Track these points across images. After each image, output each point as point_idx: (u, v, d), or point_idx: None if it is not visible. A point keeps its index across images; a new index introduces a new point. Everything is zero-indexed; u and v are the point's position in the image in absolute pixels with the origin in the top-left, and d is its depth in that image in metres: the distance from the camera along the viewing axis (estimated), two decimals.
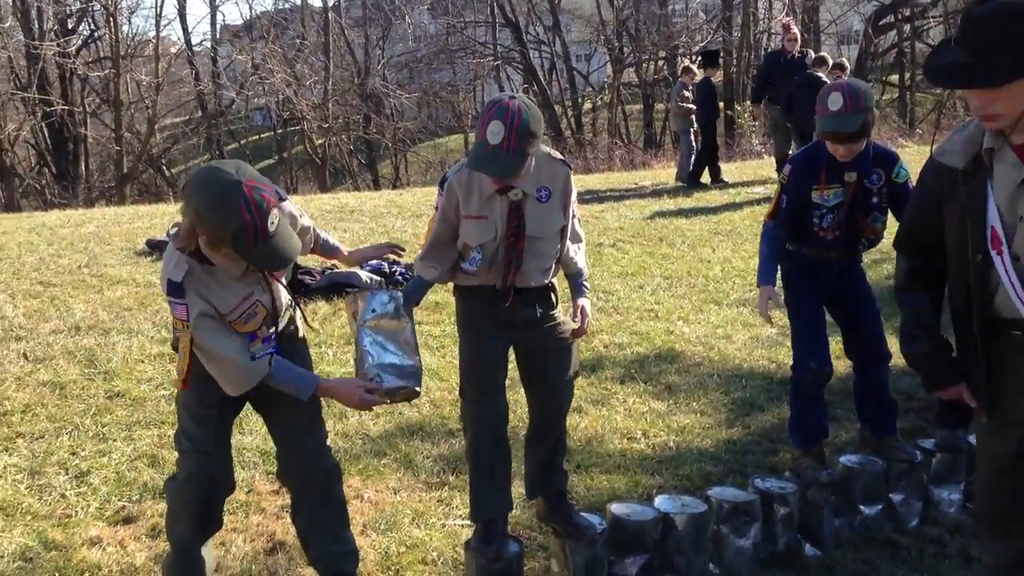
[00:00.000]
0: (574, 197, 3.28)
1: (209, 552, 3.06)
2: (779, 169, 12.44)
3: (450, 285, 3.39)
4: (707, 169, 12.31)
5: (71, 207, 16.27)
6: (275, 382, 2.84)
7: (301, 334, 3.17)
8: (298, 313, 3.14)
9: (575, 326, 3.34)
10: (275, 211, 2.60)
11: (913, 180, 3.07)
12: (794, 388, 4.11)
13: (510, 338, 3.21)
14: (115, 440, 4.56)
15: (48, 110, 22.12)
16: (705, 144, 12.37)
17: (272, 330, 2.91)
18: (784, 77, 11.18)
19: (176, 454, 3.07)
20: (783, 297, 4.04)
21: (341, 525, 3.08)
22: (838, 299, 4.07)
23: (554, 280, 3.33)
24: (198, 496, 2.90)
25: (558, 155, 3.19)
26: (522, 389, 3.49)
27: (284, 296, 3.00)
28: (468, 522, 3.64)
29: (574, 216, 3.30)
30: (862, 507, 3.99)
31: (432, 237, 3.18)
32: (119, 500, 4.02)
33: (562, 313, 3.36)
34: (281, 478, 3.17)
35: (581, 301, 3.37)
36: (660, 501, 3.61)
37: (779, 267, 4.04)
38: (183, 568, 2.94)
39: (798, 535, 3.80)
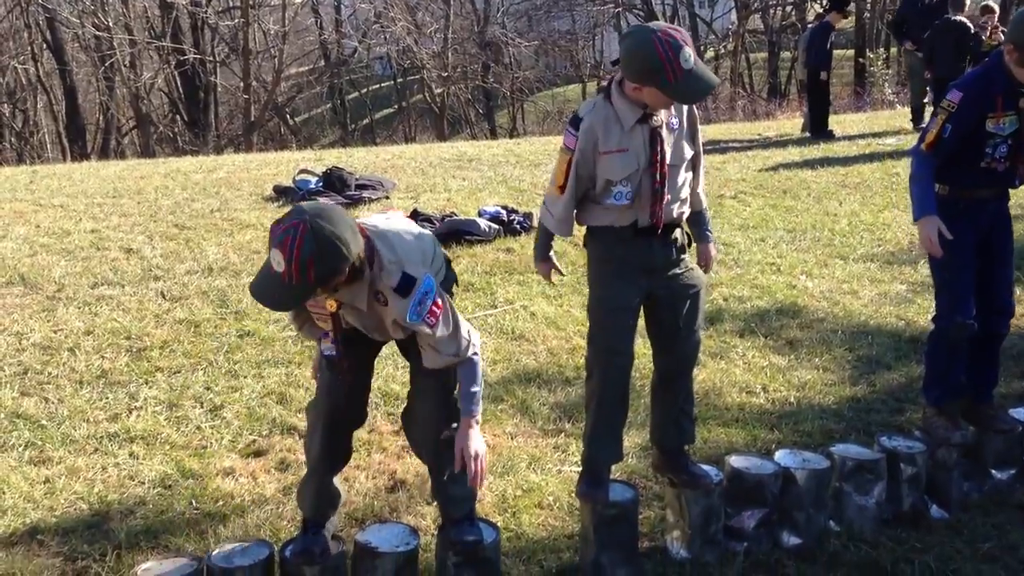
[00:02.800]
0: (699, 134, 3.25)
1: (341, 486, 3.13)
2: (914, 120, 11.89)
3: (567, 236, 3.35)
4: (813, 119, 11.75)
5: (202, 154, 16.90)
6: None
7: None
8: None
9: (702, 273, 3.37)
10: (279, 256, 2.54)
11: None
12: (935, 341, 3.85)
13: (645, 284, 3.17)
14: (246, 377, 4.76)
15: (181, 59, 22.89)
16: (814, 93, 11.82)
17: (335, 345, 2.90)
18: (921, 21, 10.62)
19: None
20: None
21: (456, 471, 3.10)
22: (986, 244, 3.76)
23: (684, 224, 3.29)
24: (325, 416, 2.98)
25: None
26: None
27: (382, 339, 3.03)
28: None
29: (700, 152, 3.29)
30: (994, 471, 3.84)
31: (571, 184, 3.09)
32: (250, 434, 4.21)
33: (691, 258, 3.32)
34: (404, 418, 3.20)
35: (708, 246, 3.40)
36: (780, 455, 3.56)
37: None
38: (314, 489, 3.03)
39: (924, 496, 3.69)
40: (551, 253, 3.39)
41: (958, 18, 9.88)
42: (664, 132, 3.08)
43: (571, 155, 3.08)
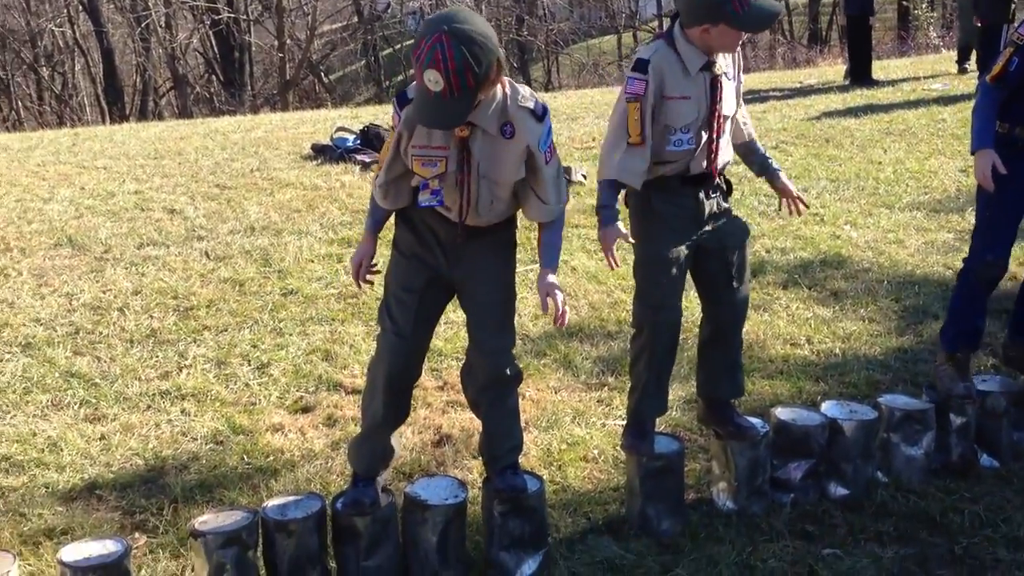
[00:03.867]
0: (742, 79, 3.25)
1: (396, 440, 3.15)
2: (960, 60, 11.61)
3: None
4: (855, 66, 11.51)
5: (238, 113, 16.96)
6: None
7: (506, 237, 3.02)
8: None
9: (789, 204, 3.36)
10: (436, 73, 2.49)
11: None
12: (960, 281, 3.76)
13: (694, 236, 3.14)
14: (291, 335, 4.81)
15: (215, 19, 22.90)
16: (856, 40, 11.56)
17: (439, 191, 2.81)
18: None
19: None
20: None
21: (512, 423, 3.12)
22: None
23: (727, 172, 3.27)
24: (387, 376, 2.96)
25: None
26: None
27: (490, 195, 2.83)
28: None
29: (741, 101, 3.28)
30: None
31: (640, 127, 2.99)
32: (297, 391, 4.27)
33: (734, 209, 3.29)
34: (464, 375, 3.18)
35: (784, 181, 3.35)
36: (827, 407, 3.54)
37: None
38: (369, 446, 3.05)
39: (975, 445, 3.65)
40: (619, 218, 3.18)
41: None
42: (723, 80, 3.04)
43: (641, 101, 2.99)
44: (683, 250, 3.13)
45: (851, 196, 7.00)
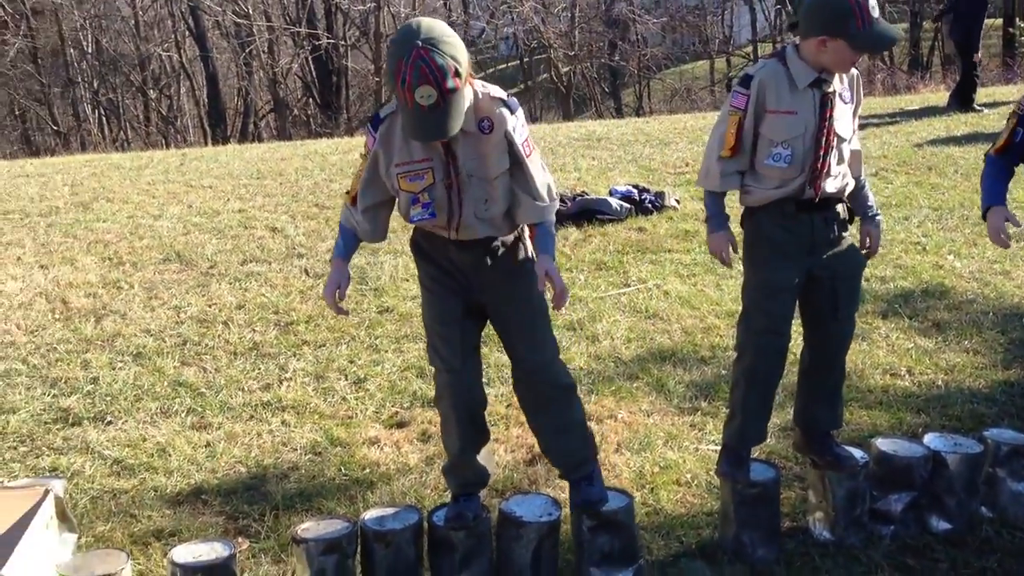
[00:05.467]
0: (860, 106, 3.20)
1: (487, 458, 3.17)
2: None
3: (700, 214, 3.32)
4: (962, 93, 11.21)
5: (335, 136, 17.39)
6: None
7: (521, 257, 3.00)
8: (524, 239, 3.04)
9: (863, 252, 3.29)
10: (428, 88, 2.52)
11: None
12: None
13: (806, 264, 3.11)
14: (386, 351, 4.92)
15: (316, 43, 23.59)
16: (964, 64, 11.28)
17: (430, 204, 2.81)
18: None
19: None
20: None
21: (571, 437, 3.08)
22: None
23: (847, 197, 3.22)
24: (455, 410, 3.01)
25: None
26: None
27: (483, 194, 2.83)
28: (720, 447, 3.64)
29: (856, 126, 3.21)
30: None
31: (736, 139, 3.05)
32: (392, 406, 4.36)
33: (851, 238, 3.25)
34: (516, 390, 3.16)
35: (873, 226, 3.29)
36: (930, 439, 3.46)
37: None
38: (459, 471, 3.10)
39: None
40: (729, 225, 3.21)
41: None
42: (836, 100, 3.03)
43: (741, 115, 3.04)
44: (794, 277, 3.10)
45: (954, 225, 6.82)
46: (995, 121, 10.33)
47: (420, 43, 2.52)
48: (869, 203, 3.30)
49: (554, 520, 2.99)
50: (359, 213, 2.90)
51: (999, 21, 23.08)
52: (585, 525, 2.99)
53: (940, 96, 12.93)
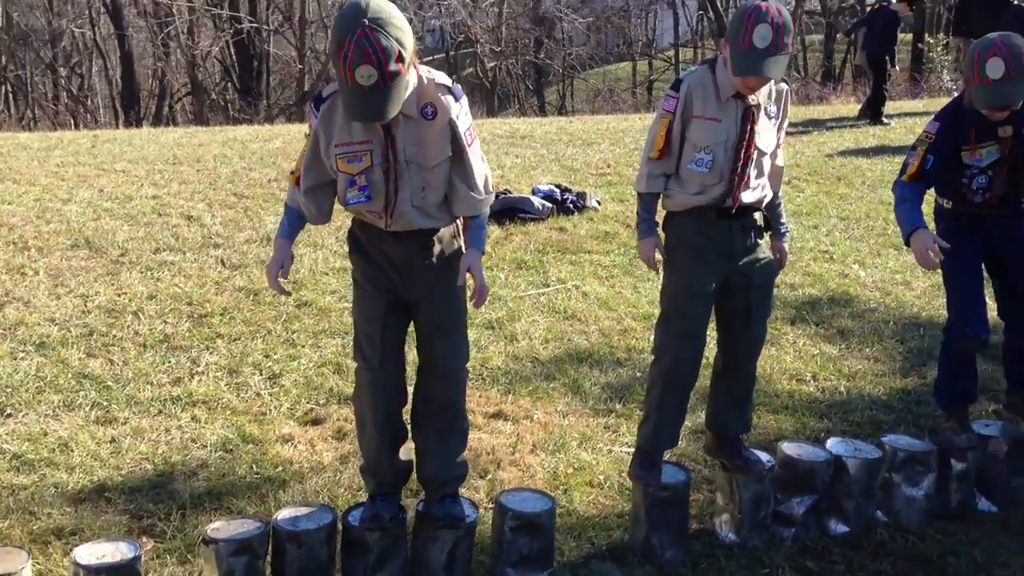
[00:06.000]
0: (787, 122, 3.29)
1: (404, 459, 3.14)
2: None
3: (621, 216, 3.40)
4: (871, 104, 11.62)
5: (254, 123, 17.08)
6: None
7: (455, 255, 2.98)
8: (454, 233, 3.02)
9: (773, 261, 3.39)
10: (370, 68, 2.50)
11: None
12: (945, 352, 3.80)
13: (723, 270, 3.20)
14: (303, 347, 4.87)
15: (238, 27, 23.10)
16: (877, 79, 11.69)
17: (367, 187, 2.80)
18: (983, 11, 10.45)
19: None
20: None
21: (460, 449, 3.11)
22: (999, 259, 3.72)
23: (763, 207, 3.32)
24: (373, 408, 3.01)
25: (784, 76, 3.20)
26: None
27: (421, 182, 2.82)
28: (633, 450, 3.71)
29: (782, 142, 3.31)
30: None
31: (664, 141, 3.15)
32: (308, 402, 4.32)
33: (766, 247, 3.34)
34: (416, 395, 3.13)
35: (782, 243, 3.41)
36: (832, 443, 3.59)
37: (936, 226, 3.73)
38: (375, 470, 3.08)
39: (974, 490, 3.69)
40: (657, 231, 3.32)
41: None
42: (759, 114, 3.11)
43: (670, 118, 3.14)
44: (712, 282, 3.19)
45: (860, 235, 7.06)
46: (902, 134, 10.71)
47: (366, 21, 2.49)
48: (781, 220, 3.41)
49: (471, 522, 3.01)
50: (302, 194, 2.88)
51: (909, 36, 23.91)
52: (508, 526, 3.01)
53: (851, 108, 13.34)
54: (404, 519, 3.06)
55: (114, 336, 4.90)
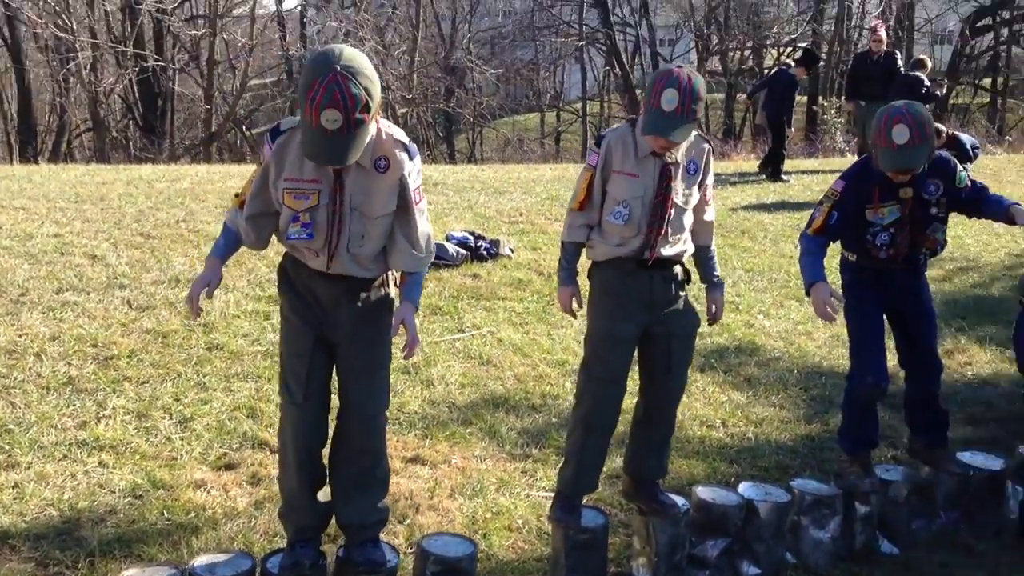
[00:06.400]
0: (711, 176, 3.42)
1: (323, 504, 3.12)
2: None
3: (534, 264, 3.49)
4: (773, 164, 12.15)
5: (157, 162, 16.76)
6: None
7: (381, 302, 3.04)
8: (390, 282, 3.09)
9: (705, 316, 3.54)
10: (336, 112, 2.56)
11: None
12: (848, 399, 3.97)
13: (644, 319, 3.30)
14: (215, 390, 4.78)
15: (144, 65, 22.70)
16: (775, 138, 12.24)
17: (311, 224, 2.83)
18: (874, 78, 11.11)
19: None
20: (843, 304, 3.90)
21: (381, 495, 3.12)
22: (899, 312, 3.93)
23: (686, 261, 3.43)
24: (294, 444, 2.99)
25: (702, 134, 3.33)
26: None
27: (361, 230, 2.87)
28: (551, 494, 3.75)
29: (709, 197, 3.44)
30: (942, 512, 4.01)
31: (585, 194, 3.28)
32: (221, 447, 4.23)
33: (689, 299, 3.45)
34: (334, 439, 3.14)
35: (716, 294, 3.53)
36: (744, 488, 3.70)
37: (841, 277, 3.95)
38: (296, 514, 3.05)
39: (877, 532, 3.84)
40: (576, 280, 3.44)
41: (918, 74, 10.36)
42: (677, 172, 3.23)
43: (592, 172, 3.26)
44: (632, 329, 3.29)
45: (764, 287, 7.32)
46: (800, 191, 11.17)
47: (339, 68, 2.56)
48: (715, 272, 3.54)
49: (392, 567, 3.00)
50: (244, 219, 2.90)
51: (805, 98, 25.00)
52: (429, 571, 3.01)
53: (751, 164, 13.84)
54: (324, 565, 3.03)
55: (15, 379, 4.71)
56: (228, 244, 2.98)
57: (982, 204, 3.84)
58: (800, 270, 3.84)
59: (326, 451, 3.13)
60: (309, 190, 2.80)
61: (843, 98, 15.68)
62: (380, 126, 2.83)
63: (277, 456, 3.14)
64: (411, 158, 2.86)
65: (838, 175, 3.93)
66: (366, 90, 2.59)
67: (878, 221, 3.74)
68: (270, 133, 2.85)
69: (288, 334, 2.99)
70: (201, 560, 2.93)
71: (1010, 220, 3.76)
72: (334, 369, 3.06)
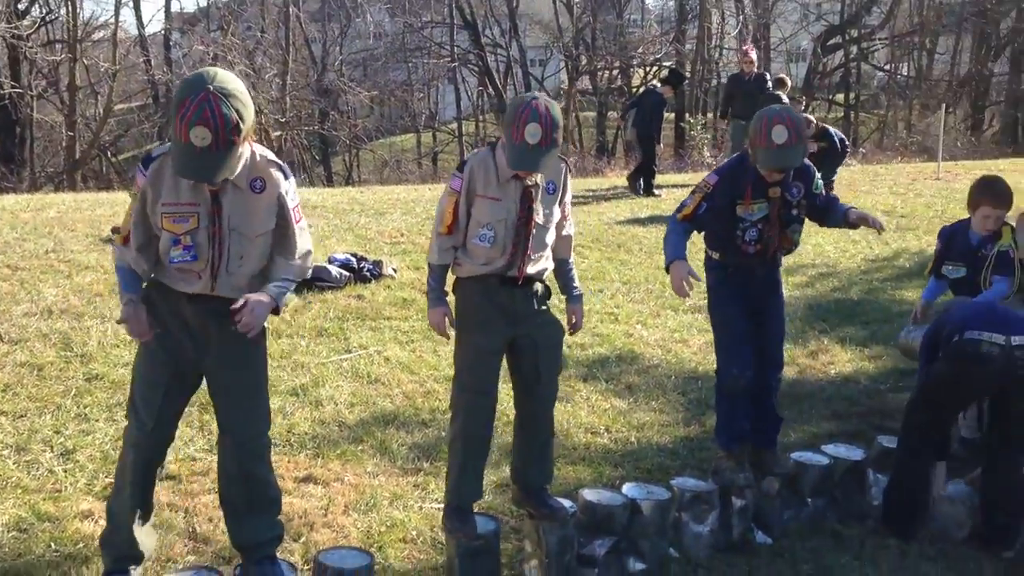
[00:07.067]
0: (569, 193, 3.58)
1: (148, 536, 3.15)
2: None
3: (417, 283, 3.60)
4: (642, 178, 12.62)
5: (16, 191, 16.09)
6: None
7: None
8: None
9: (566, 326, 3.68)
10: (206, 130, 2.62)
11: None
12: (718, 394, 4.25)
13: (508, 331, 3.44)
14: (97, 420, 4.69)
15: (0, 92, 21.75)
16: (645, 154, 12.72)
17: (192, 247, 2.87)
18: (745, 96, 11.74)
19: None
20: (708, 302, 4.23)
21: (275, 512, 3.17)
22: (755, 308, 4.18)
23: (547, 277, 3.59)
24: (133, 466, 3.03)
25: (559, 155, 3.48)
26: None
27: (240, 250, 2.93)
28: (443, 505, 3.85)
29: (567, 213, 3.60)
30: (809, 500, 4.29)
31: (452, 218, 3.38)
32: (107, 477, 4.15)
33: (552, 311, 3.61)
34: (220, 457, 3.19)
35: (576, 306, 3.69)
36: (628, 488, 3.88)
37: (705, 277, 4.19)
38: (117, 545, 3.06)
39: (752, 524, 4.09)
40: (446, 300, 3.55)
41: (779, 93, 10.99)
42: (537, 193, 3.38)
43: (457, 196, 3.38)
44: (498, 341, 3.44)
45: (641, 298, 7.60)
46: (671, 205, 11.51)
47: (211, 88, 2.63)
48: (574, 284, 3.71)
49: None
50: (134, 251, 2.91)
51: (672, 116, 25.90)
52: None
53: (624, 180, 14.29)
54: None
55: None
56: (129, 280, 2.97)
57: (829, 212, 4.18)
58: (664, 248, 4.09)
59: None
60: (188, 212, 2.85)
61: (717, 115, 16.44)
62: (254, 149, 2.90)
63: (113, 480, 3.13)
64: (286, 178, 2.95)
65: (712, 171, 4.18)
66: (238, 112, 2.67)
67: (748, 217, 3.99)
68: (142, 162, 2.88)
69: (145, 361, 3.00)
70: None
71: (850, 223, 4.11)
72: (209, 395, 3.11)
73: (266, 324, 3.09)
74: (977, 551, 4.08)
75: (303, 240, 3.02)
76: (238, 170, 2.82)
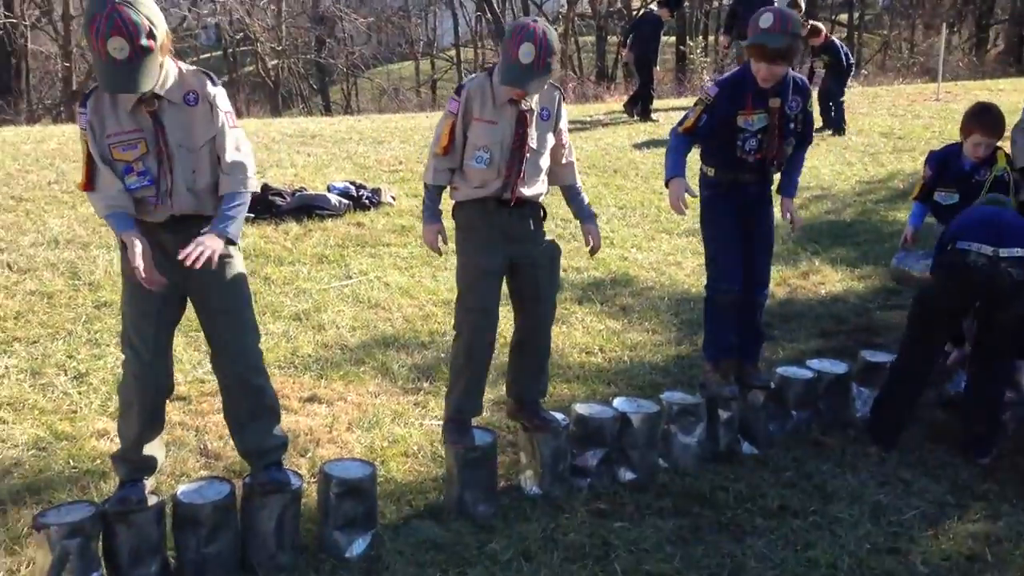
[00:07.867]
0: (565, 120, 3.67)
1: (158, 449, 3.28)
2: None
3: (415, 210, 3.71)
4: (642, 105, 12.56)
5: (14, 123, 16.06)
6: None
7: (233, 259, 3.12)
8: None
9: (586, 248, 3.84)
10: (121, 40, 2.70)
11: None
12: (707, 307, 4.35)
13: (507, 251, 3.57)
14: (108, 346, 4.85)
15: None
16: (643, 79, 12.64)
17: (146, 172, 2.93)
18: (749, 13, 11.58)
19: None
20: (701, 218, 4.33)
21: (274, 422, 3.29)
22: (747, 222, 4.27)
23: (543, 199, 3.70)
24: (140, 399, 3.12)
25: (554, 82, 3.57)
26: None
27: (191, 164, 2.99)
28: (442, 422, 4.02)
29: (565, 140, 3.71)
30: (794, 412, 4.47)
31: (448, 139, 3.49)
32: None
33: (548, 232, 3.74)
34: (217, 373, 3.30)
35: (591, 225, 3.81)
36: (618, 402, 4.05)
37: (699, 192, 4.26)
38: (129, 459, 3.20)
39: (738, 435, 4.27)
40: (440, 218, 3.65)
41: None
42: (532, 118, 3.48)
43: (453, 119, 3.48)
44: (497, 261, 3.56)
45: (636, 222, 7.71)
46: (669, 130, 11.62)
47: (117, 1, 2.70)
48: (585, 204, 3.83)
49: (297, 488, 3.22)
50: (114, 190, 2.94)
51: (673, 39, 25.64)
52: (333, 492, 3.24)
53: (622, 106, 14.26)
54: (161, 501, 3.16)
55: None
56: (124, 219, 2.96)
57: (799, 147, 4.30)
58: (665, 163, 4.18)
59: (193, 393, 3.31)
60: (134, 139, 2.93)
61: (720, 33, 16.16)
62: (179, 65, 2.99)
63: (119, 408, 3.24)
64: (215, 84, 3.03)
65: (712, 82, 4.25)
66: (147, 17, 2.75)
67: (748, 127, 4.08)
68: (80, 102, 2.97)
69: (133, 295, 3.07)
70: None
71: (782, 201, 4.34)
72: (197, 318, 3.20)
73: (238, 242, 3.13)
74: (956, 457, 4.26)
75: (244, 145, 3.05)
76: (168, 85, 2.91)
